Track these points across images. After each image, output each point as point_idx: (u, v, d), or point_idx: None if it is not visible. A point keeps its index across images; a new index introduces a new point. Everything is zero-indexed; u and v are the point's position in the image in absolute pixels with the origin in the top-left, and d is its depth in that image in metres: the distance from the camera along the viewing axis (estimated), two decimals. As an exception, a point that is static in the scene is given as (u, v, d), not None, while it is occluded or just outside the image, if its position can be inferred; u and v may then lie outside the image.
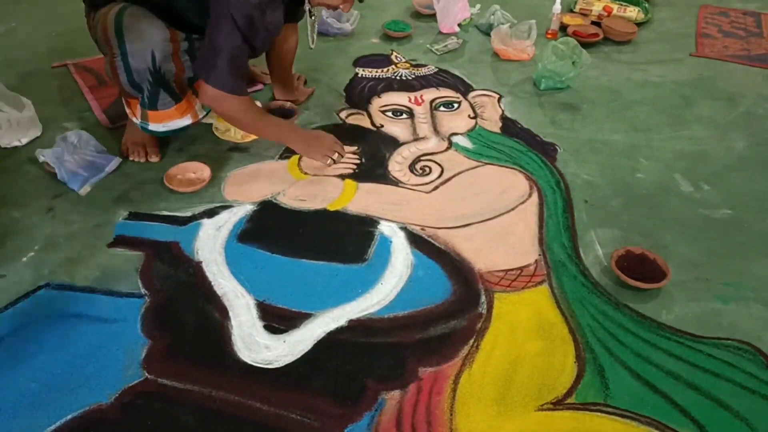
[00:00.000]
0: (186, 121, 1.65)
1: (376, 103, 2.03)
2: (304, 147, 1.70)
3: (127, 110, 1.65)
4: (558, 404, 1.15)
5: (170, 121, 1.62)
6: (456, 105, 2.04)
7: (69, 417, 1.09)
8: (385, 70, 2.22)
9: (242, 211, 1.57)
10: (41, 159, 1.63)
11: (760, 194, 1.71)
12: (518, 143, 1.87)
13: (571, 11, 2.68)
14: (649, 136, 1.94)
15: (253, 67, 2.09)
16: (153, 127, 1.63)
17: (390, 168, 1.74)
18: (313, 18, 1.71)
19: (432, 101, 2.05)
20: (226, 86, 1.48)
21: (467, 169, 1.75)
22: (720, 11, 2.80)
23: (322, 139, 1.72)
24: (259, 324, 1.27)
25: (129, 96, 1.59)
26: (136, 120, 1.63)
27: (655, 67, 2.33)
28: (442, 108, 2.02)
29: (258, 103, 1.89)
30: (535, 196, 1.66)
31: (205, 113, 1.71)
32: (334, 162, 1.71)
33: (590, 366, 1.22)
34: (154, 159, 1.72)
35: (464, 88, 2.14)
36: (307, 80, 2.12)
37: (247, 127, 1.67)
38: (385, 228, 1.53)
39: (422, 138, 1.87)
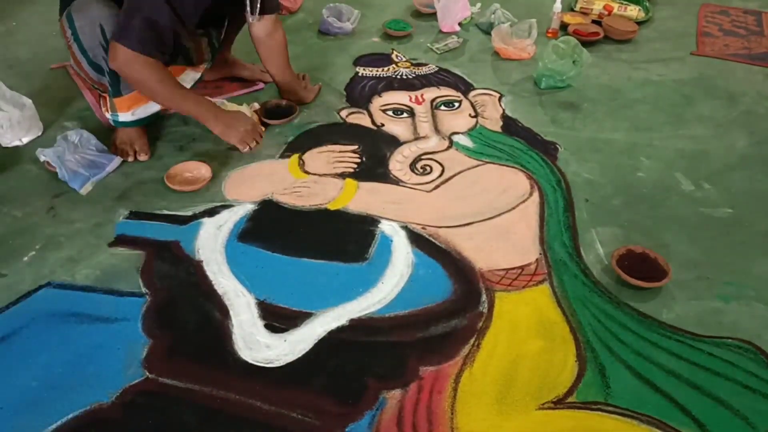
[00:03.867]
0: (153, 106, 1.68)
1: (377, 102, 2.03)
2: (223, 128, 1.66)
3: (102, 109, 1.69)
4: (559, 403, 1.15)
5: (137, 107, 1.65)
6: (456, 104, 2.04)
7: (70, 416, 1.09)
8: (386, 69, 2.22)
9: (243, 210, 1.57)
10: (42, 158, 1.63)
11: (760, 193, 1.71)
12: (519, 142, 1.87)
13: (572, 10, 2.68)
14: (649, 135, 1.94)
15: (253, 65, 2.09)
16: (122, 117, 1.66)
17: (391, 167, 1.74)
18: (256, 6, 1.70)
19: (432, 100, 2.04)
20: (135, 45, 1.44)
21: (468, 168, 1.75)
22: (721, 10, 2.79)
23: (242, 122, 1.69)
24: (260, 323, 1.27)
25: (99, 86, 1.62)
26: (108, 115, 1.67)
27: (655, 65, 2.33)
28: (442, 107, 2.02)
29: (255, 104, 1.90)
30: (535, 195, 1.66)
31: None
32: (251, 149, 1.69)
33: (591, 365, 1.22)
34: (143, 157, 1.71)
35: (465, 87, 2.14)
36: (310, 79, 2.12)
37: (162, 96, 1.59)
38: (385, 227, 1.53)
39: (423, 137, 1.87)
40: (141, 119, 1.69)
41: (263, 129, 1.75)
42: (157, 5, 1.44)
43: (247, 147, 1.70)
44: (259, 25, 1.79)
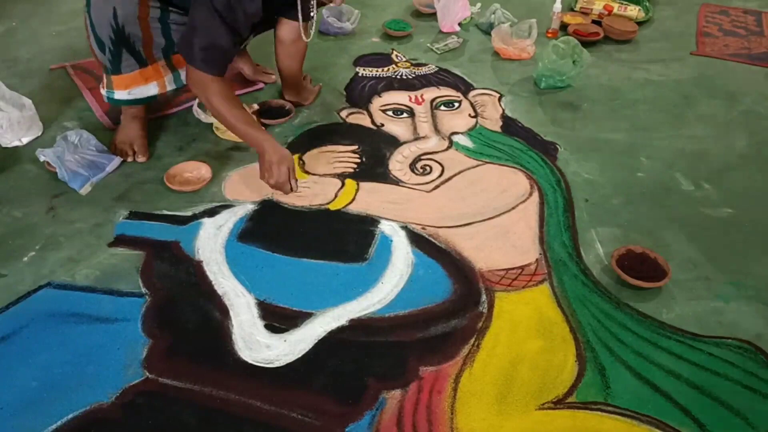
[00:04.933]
0: (151, 89, 1.66)
1: (377, 102, 2.03)
2: (269, 163, 1.56)
3: (100, 86, 1.69)
4: (558, 403, 1.15)
5: (135, 87, 1.64)
6: (456, 104, 2.04)
7: (70, 416, 1.09)
8: (386, 69, 2.22)
9: (242, 210, 1.57)
10: (42, 158, 1.63)
11: (760, 193, 1.71)
12: (519, 142, 1.87)
13: (572, 10, 2.68)
14: (649, 135, 1.94)
15: (257, 66, 2.09)
16: (118, 95, 1.65)
17: (390, 167, 1.74)
18: (312, 15, 1.70)
19: (432, 100, 2.04)
20: (200, 64, 1.50)
21: (468, 168, 1.75)
22: (720, 10, 2.79)
23: (284, 168, 1.56)
24: (260, 323, 1.27)
25: (99, 60, 1.61)
26: (104, 91, 1.67)
27: (655, 65, 2.33)
28: (442, 107, 2.02)
29: (255, 105, 1.90)
30: (535, 195, 1.66)
31: (174, 87, 1.70)
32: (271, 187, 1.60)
33: (591, 365, 1.22)
34: (141, 159, 1.71)
35: (465, 87, 2.14)
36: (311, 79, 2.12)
37: (225, 116, 1.56)
38: (385, 227, 1.53)
39: (423, 137, 1.87)
40: (137, 99, 1.67)
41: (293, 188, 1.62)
42: (217, 26, 1.47)
43: (270, 189, 1.61)
44: (289, 29, 1.79)
